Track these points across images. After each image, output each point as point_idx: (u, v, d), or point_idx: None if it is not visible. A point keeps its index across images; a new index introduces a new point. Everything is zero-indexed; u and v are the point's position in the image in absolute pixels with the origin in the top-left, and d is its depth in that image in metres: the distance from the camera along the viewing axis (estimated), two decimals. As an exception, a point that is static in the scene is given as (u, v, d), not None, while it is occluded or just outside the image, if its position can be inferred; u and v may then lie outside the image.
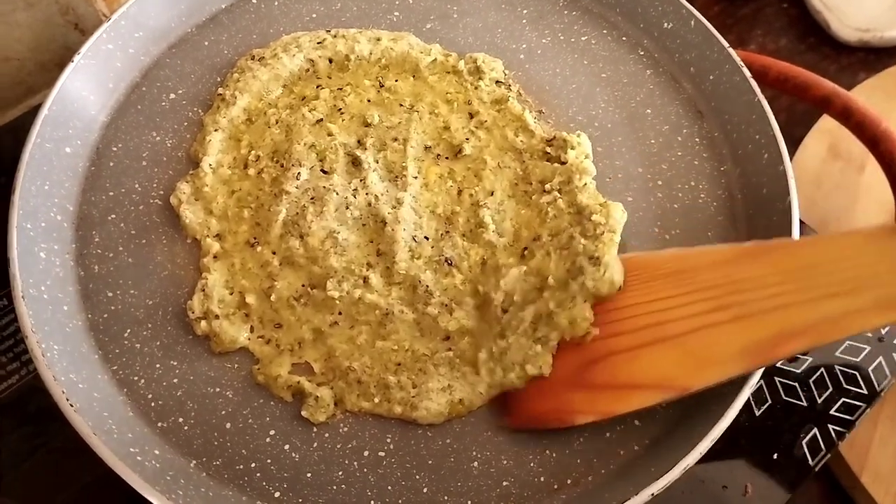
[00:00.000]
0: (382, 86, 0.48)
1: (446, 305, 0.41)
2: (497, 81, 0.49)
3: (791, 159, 0.46)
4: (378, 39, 0.50)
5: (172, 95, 0.49)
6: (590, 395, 0.38)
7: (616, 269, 0.39)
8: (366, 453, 0.39)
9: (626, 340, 0.37)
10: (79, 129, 0.46)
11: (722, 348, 0.35)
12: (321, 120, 0.46)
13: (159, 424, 0.39)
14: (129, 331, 0.41)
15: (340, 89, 0.48)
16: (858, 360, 0.52)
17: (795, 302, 0.33)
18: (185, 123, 0.48)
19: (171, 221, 0.44)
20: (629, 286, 0.38)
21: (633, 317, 0.37)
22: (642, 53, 0.53)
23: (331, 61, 0.49)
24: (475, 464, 0.38)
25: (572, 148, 0.45)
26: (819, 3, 0.74)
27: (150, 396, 0.39)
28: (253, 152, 0.45)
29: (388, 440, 0.39)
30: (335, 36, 0.50)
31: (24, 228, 0.41)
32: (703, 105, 0.51)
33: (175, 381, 0.40)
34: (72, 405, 0.36)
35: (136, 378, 0.40)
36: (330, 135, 0.46)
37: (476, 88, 0.49)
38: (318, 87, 0.48)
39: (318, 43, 0.50)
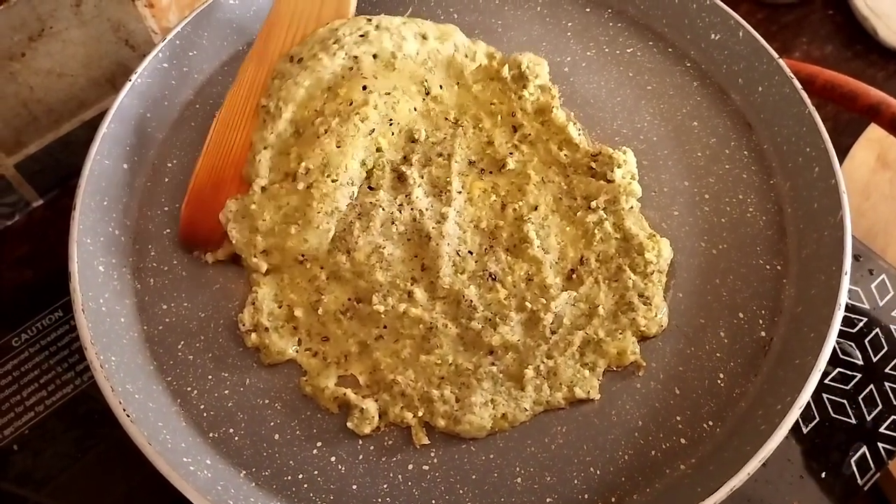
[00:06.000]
0: (428, 93, 0.48)
1: (490, 320, 0.41)
2: (542, 87, 0.48)
3: (838, 169, 0.45)
4: (424, 37, 0.48)
5: (224, 112, 0.50)
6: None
7: (665, 311, 0.43)
8: (410, 466, 0.39)
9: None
10: (135, 146, 0.48)
11: None
12: (374, 130, 0.45)
13: (211, 435, 0.40)
14: (182, 342, 0.42)
15: (388, 93, 0.46)
16: (911, 378, 0.51)
17: None
18: (236, 139, 0.49)
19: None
20: None
21: None
22: (689, 65, 0.52)
23: (375, 57, 0.47)
24: (518, 479, 0.39)
25: (619, 166, 0.45)
26: (866, 9, 0.72)
27: (202, 407, 0.41)
28: (303, 164, 0.44)
29: (433, 454, 0.39)
30: (378, 27, 0.48)
31: (84, 243, 0.43)
32: (752, 117, 0.50)
33: (226, 392, 0.41)
34: (128, 415, 0.37)
35: (189, 389, 0.41)
36: (379, 150, 0.45)
37: (520, 98, 0.48)
38: (364, 87, 0.46)
39: (361, 36, 0.47)
